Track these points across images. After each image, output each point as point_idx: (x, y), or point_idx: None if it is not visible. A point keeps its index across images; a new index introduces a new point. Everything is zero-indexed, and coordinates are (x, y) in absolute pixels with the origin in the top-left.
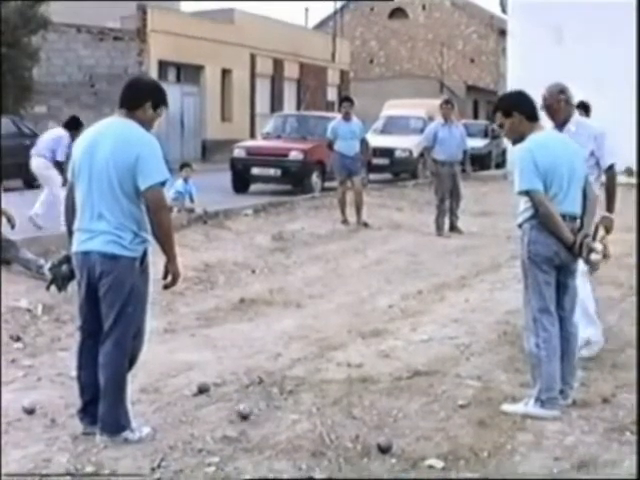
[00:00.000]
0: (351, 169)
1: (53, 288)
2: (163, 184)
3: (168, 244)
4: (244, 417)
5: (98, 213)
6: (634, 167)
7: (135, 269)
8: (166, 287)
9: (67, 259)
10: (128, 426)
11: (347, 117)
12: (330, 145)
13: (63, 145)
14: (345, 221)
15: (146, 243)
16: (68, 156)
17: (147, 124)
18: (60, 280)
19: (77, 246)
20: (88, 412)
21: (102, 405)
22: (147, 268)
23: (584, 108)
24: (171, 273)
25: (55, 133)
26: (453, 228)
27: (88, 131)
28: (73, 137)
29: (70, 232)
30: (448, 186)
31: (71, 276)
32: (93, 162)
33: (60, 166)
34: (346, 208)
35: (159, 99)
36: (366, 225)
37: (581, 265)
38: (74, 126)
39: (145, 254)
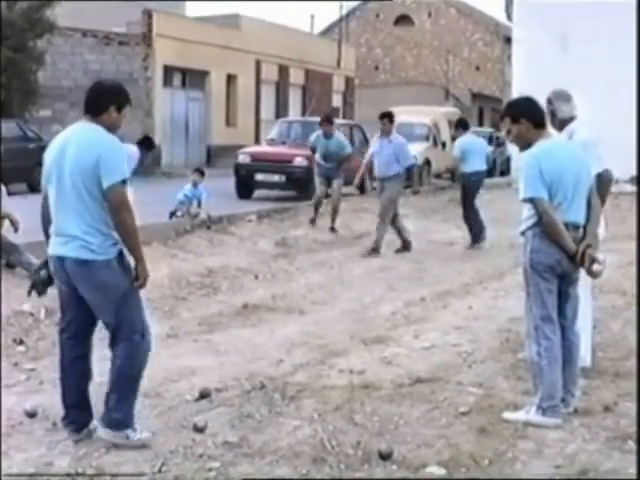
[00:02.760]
0: (330, 175)
1: (34, 293)
2: (124, 182)
3: (133, 244)
4: (199, 430)
5: (68, 218)
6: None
7: (113, 269)
8: (139, 287)
9: (46, 264)
10: (131, 424)
11: (328, 135)
12: (313, 150)
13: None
14: (313, 221)
15: (119, 245)
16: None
17: (113, 127)
18: (40, 285)
19: (52, 250)
20: (71, 418)
21: (110, 399)
22: (128, 267)
23: (463, 126)
24: (141, 276)
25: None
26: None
27: (57, 138)
28: (143, 155)
29: (47, 238)
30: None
31: (50, 281)
32: (61, 169)
33: None
34: (320, 209)
35: (122, 101)
36: (333, 230)
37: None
38: (147, 145)
39: (121, 254)
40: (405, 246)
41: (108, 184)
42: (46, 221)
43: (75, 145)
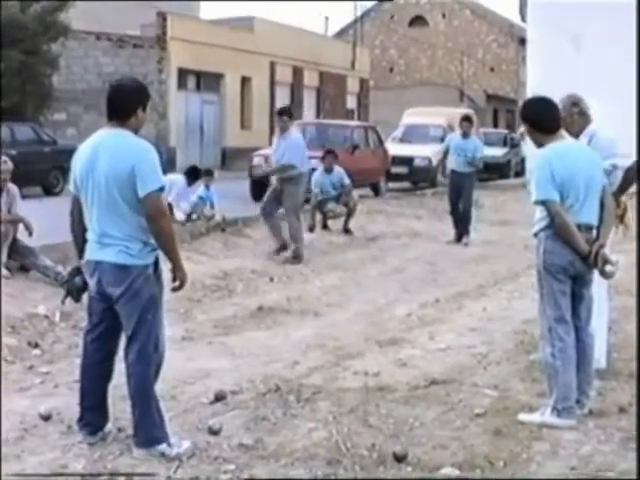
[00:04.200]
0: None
1: (68, 300)
2: (161, 190)
3: (171, 250)
4: (214, 432)
5: (105, 227)
6: None
7: (149, 276)
8: (174, 290)
9: (78, 271)
10: (165, 439)
11: (329, 170)
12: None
13: (176, 188)
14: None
15: (157, 251)
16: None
17: (139, 127)
18: (75, 292)
19: (89, 255)
20: (86, 420)
21: (133, 417)
22: (161, 275)
23: (468, 121)
24: (179, 278)
25: (171, 177)
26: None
27: (85, 145)
28: (190, 185)
29: (77, 245)
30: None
31: (84, 287)
32: (94, 177)
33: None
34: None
35: (146, 99)
36: (348, 231)
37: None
38: (193, 175)
39: (157, 261)
40: (282, 247)
41: (144, 193)
42: (76, 227)
43: (108, 153)
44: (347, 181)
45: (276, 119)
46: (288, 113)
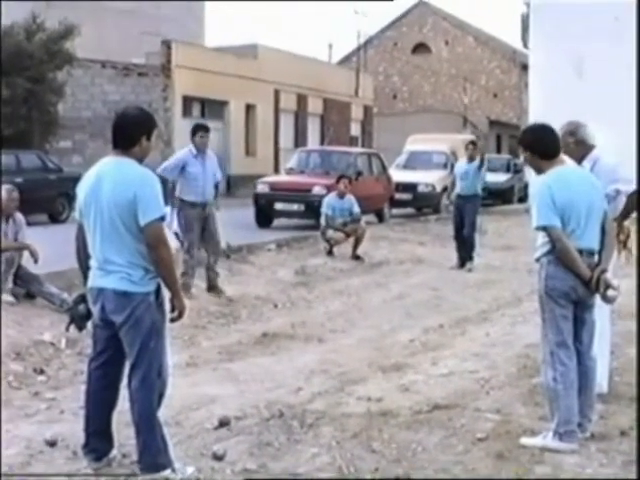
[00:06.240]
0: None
1: (72, 327)
2: (162, 219)
3: (170, 279)
4: (218, 458)
5: (109, 251)
6: None
7: (151, 304)
8: (172, 320)
9: (82, 298)
10: (169, 465)
11: (341, 195)
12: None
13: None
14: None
15: (158, 278)
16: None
17: (145, 156)
18: (79, 320)
19: (92, 282)
20: (92, 446)
21: (138, 444)
22: (163, 302)
23: (473, 144)
24: (177, 308)
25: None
26: (211, 288)
27: (90, 172)
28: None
29: (83, 271)
30: (197, 232)
31: (88, 315)
32: (97, 204)
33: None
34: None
35: (151, 128)
36: (358, 258)
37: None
38: None
39: (159, 288)
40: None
41: (145, 221)
42: (81, 253)
43: (111, 181)
44: (357, 210)
45: (200, 134)
46: (205, 128)
